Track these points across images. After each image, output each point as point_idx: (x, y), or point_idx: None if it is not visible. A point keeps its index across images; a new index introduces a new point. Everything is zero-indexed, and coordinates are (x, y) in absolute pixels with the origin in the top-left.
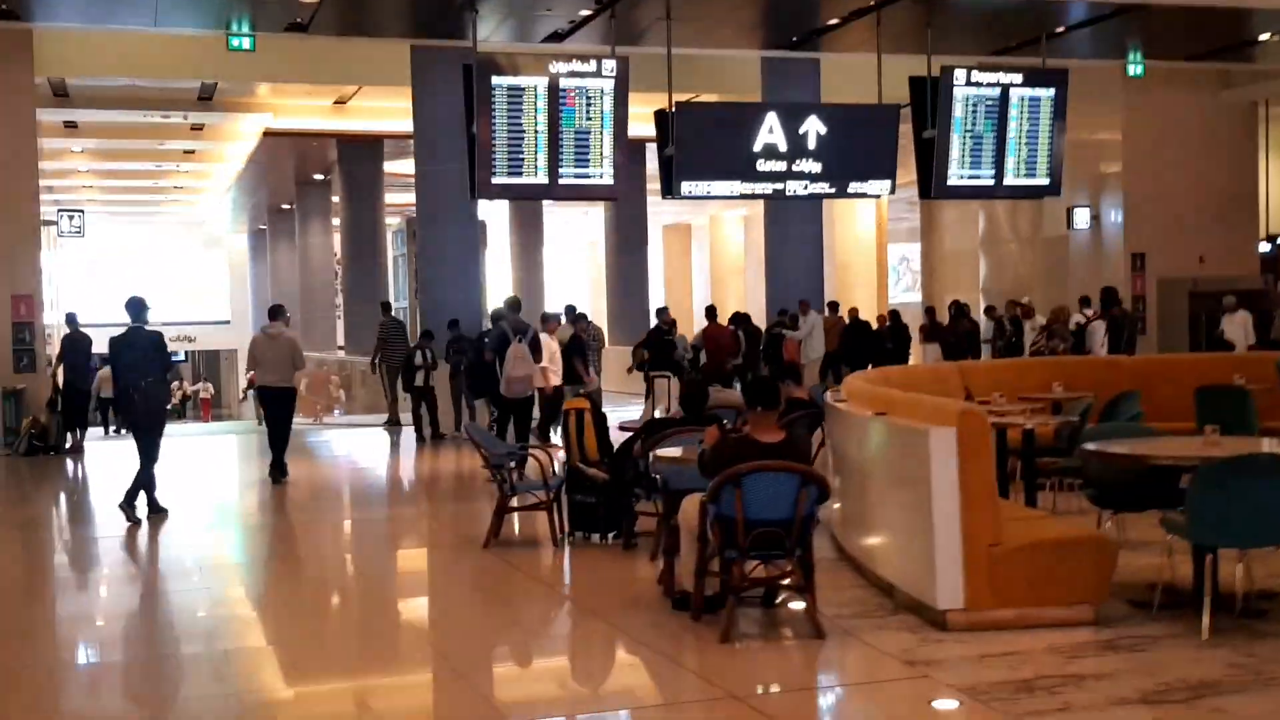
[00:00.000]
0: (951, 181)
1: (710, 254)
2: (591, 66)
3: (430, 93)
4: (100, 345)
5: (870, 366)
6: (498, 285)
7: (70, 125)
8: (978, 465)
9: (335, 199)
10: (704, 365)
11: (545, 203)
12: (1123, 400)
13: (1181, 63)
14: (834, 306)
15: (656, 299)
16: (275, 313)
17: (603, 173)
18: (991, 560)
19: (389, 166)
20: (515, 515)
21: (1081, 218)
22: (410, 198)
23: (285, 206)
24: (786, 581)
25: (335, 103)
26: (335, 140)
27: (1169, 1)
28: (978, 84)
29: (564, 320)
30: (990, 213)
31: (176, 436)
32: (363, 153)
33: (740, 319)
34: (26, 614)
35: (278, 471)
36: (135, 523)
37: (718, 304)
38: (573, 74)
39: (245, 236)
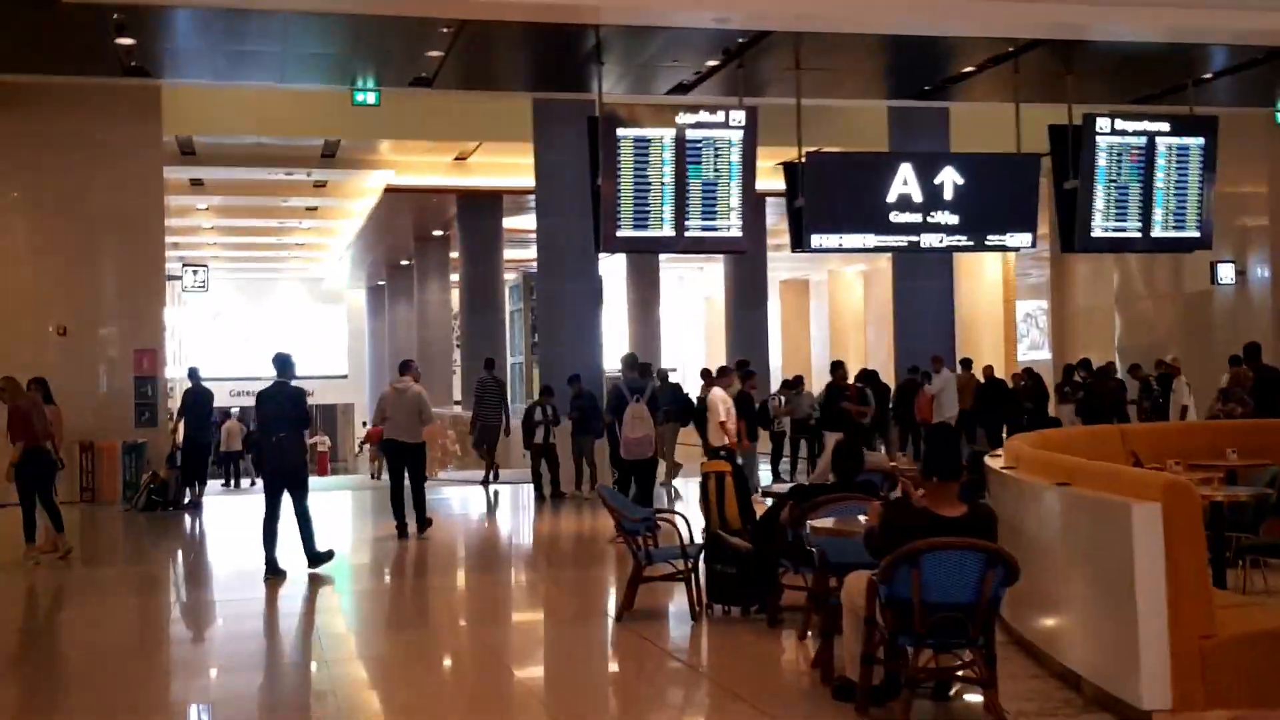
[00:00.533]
0: (1096, 233)
1: (829, 310)
2: (719, 117)
3: (552, 146)
4: (222, 399)
5: (1006, 427)
6: (613, 342)
7: (196, 183)
8: (1188, 546)
9: (453, 255)
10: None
11: (662, 258)
12: None
13: None
14: (967, 364)
15: (775, 356)
16: (405, 367)
17: (730, 225)
18: (1204, 654)
19: (507, 222)
20: (649, 585)
21: (1226, 273)
22: (527, 253)
23: (404, 262)
24: (964, 673)
25: (455, 159)
26: (455, 196)
27: None
28: (1122, 132)
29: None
30: (1125, 268)
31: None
32: (482, 208)
33: (868, 376)
34: (140, 685)
35: (422, 522)
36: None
37: (844, 359)
38: (700, 125)
39: (363, 292)
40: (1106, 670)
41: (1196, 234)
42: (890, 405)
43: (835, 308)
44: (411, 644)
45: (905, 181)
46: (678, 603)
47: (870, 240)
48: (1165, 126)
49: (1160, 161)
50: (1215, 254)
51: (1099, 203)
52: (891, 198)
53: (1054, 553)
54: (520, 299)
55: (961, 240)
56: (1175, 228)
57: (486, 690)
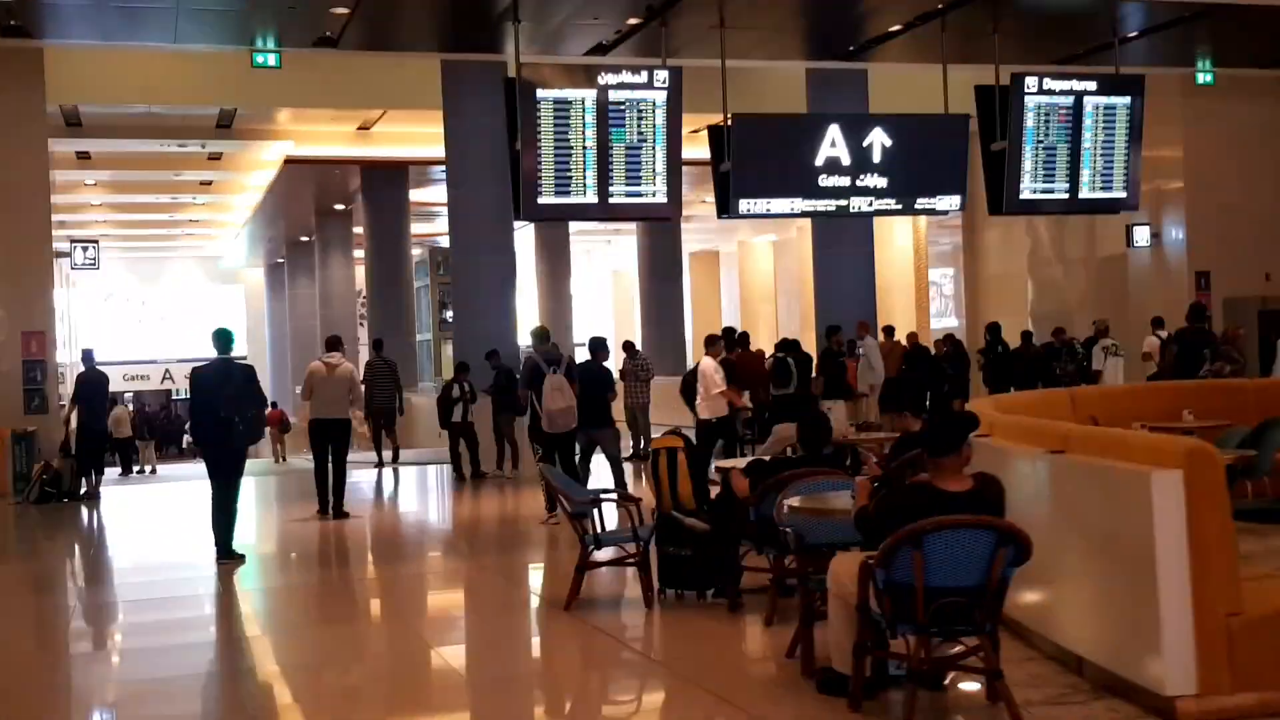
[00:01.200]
0: (1024, 196)
1: (740, 281)
2: (643, 78)
3: (462, 112)
4: (115, 384)
5: (929, 395)
6: (523, 316)
7: (83, 156)
8: (1213, 517)
9: (357, 230)
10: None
11: (571, 229)
12: (1272, 428)
13: (1249, 70)
14: (890, 331)
15: (688, 328)
16: (334, 344)
17: (655, 191)
18: (1231, 634)
19: (413, 195)
20: (595, 571)
21: (1142, 235)
22: (432, 227)
23: (305, 239)
24: (970, 661)
25: (359, 129)
26: (359, 167)
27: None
28: (1050, 92)
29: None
30: (1036, 234)
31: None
32: (387, 180)
33: (789, 345)
34: (38, 691)
35: (340, 508)
36: (240, 558)
37: (749, 331)
38: (622, 85)
39: (262, 271)
40: (1119, 653)
41: (1124, 194)
42: (811, 376)
43: (745, 279)
44: (341, 642)
45: (833, 143)
46: (629, 589)
47: (798, 204)
48: (1092, 86)
49: (1087, 122)
50: (1130, 217)
51: (1027, 164)
52: (819, 161)
53: (1048, 526)
54: (428, 274)
55: (890, 204)
56: (1103, 189)
57: (429, 690)
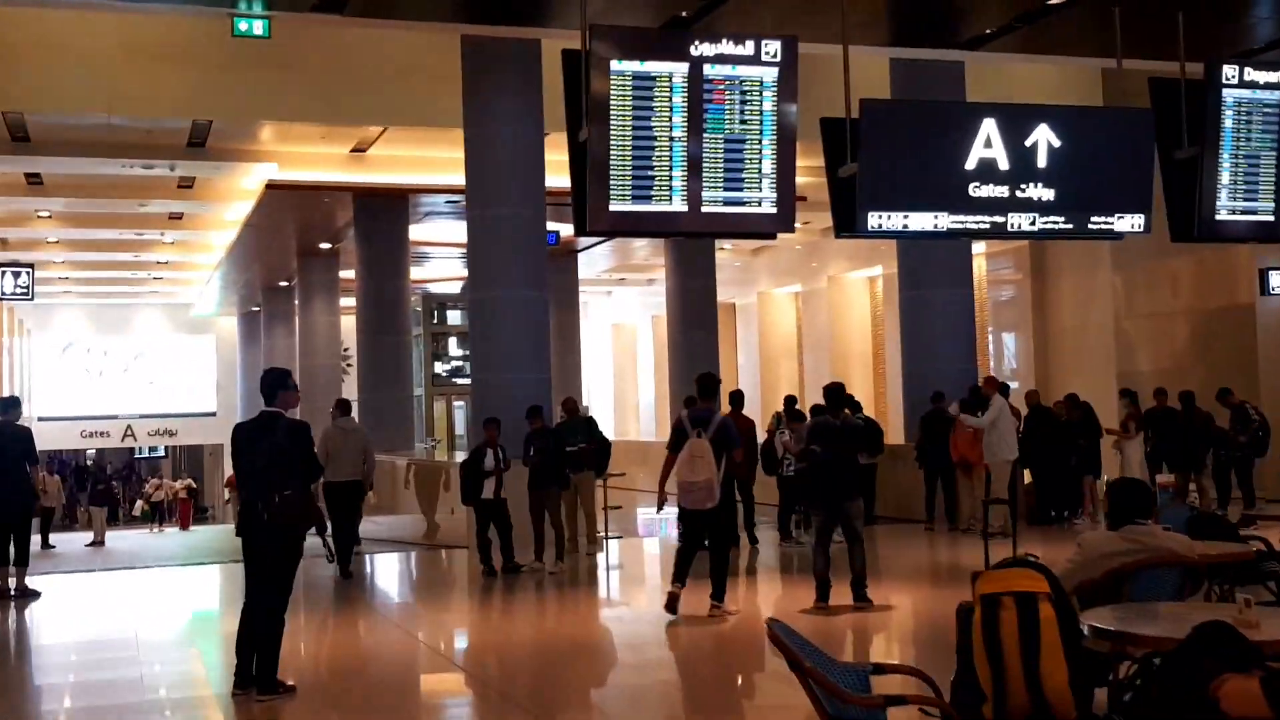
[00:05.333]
0: (1221, 216)
1: (760, 336)
2: (748, 49)
3: (486, 106)
4: (71, 441)
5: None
6: None
7: (34, 180)
8: None
9: (344, 274)
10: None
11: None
12: None
13: None
14: (1005, 390)
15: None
16: (346, 407)
17: (762, 199)
18: None
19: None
20: None
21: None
22: (420, 272)
23: (284, 283)
24: None
25: (353, 150)
26: (352, 195)
27: None
28: (1253, 84)
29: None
30: (1126, 280)
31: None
32: (384, 209)
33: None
34: None
35: (345, 569)
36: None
37: (768, 389)
38: (721, 58)
39: (235, 319)
40: None
41: None
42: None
43: (765, 333)
44: None
45: (988, 143)
46: None
47: (943, 221)
48: None
49: None
50: (1261, 259)
51: (1225, 177)
52: (971, 164)
53: None
54: (419, 323)
55: (1057, 222)
56: None
57: None
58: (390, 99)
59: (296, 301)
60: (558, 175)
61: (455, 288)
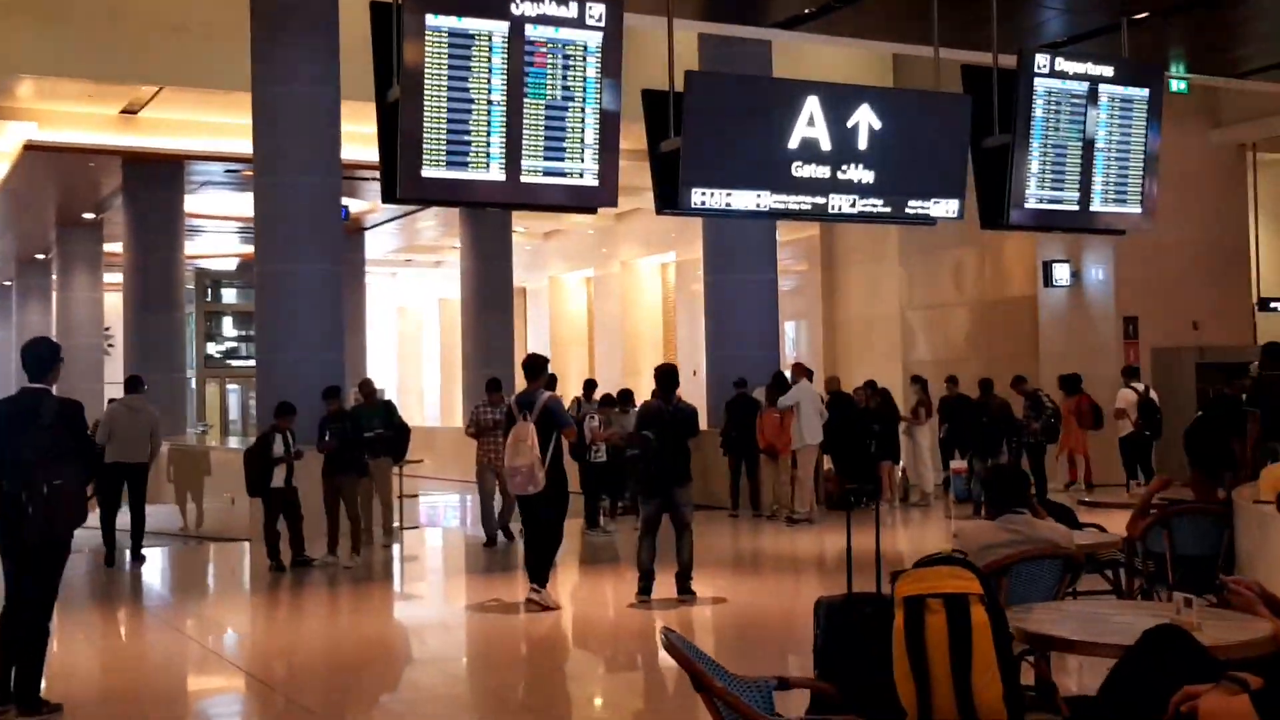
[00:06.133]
0: (1030, 205)
1: (551, 321)
2: (571, 11)
3: (277, 65)
4: None
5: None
6: None
7: None
8: None
9: (108, 247)
10: None
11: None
12: None
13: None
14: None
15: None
16: (136, 384)
17: (584, 169)
18: None
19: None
20: None
21: (1062, 274)
22: (192, 247)
23: (40, 256)
24: None
25: (124, 110)
26: (121, 159)
27: None
28: (1062, 75)
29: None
30: (911, 272)
31: None
32: (157, 177)
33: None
34: None
35: (138, 554)
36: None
37: (559, 373)
38: (544, 19)
39: None
40: None
41: (1138, 209)
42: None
43: (556, 318)
44: None
45: (811, 121)
46: None
47: (765, 200)
48: (1109, 72)
49: (1102, 116)
50: (1047, 251)
51: (1035, 166)
52: (793, 143)
53: None
54: (192, 301)
55: (876, 205)
56: (1116, 201)
57: None
58: (166, 56)
59: (54, 276)
60: (348, 145)
61: (231, 264)
